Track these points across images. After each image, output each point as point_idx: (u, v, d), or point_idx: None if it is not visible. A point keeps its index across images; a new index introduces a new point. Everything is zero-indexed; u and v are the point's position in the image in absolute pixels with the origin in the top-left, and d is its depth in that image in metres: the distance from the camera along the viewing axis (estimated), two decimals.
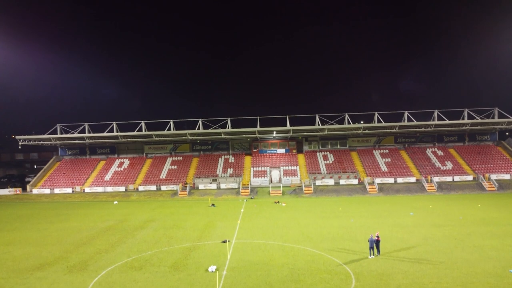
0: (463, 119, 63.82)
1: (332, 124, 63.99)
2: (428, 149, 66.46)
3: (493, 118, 63.85)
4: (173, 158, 69.03)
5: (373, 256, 23.42)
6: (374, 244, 23.74)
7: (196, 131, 60.36)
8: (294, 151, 68.98)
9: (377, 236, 23.93)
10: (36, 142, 63.12)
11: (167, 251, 26.14)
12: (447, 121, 60.84)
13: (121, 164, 68.28)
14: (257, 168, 64.33)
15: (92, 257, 25.11)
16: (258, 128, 59.92)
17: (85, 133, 62.63)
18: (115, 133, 60.72)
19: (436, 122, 60.14)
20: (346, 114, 62.67)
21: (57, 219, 40.18)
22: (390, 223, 33.67)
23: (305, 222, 35.28)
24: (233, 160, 67.18)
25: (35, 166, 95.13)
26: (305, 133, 65.81)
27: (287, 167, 64.10)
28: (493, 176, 56.01)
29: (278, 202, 47.77)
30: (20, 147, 62.56)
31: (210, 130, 60.42)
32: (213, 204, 46.71)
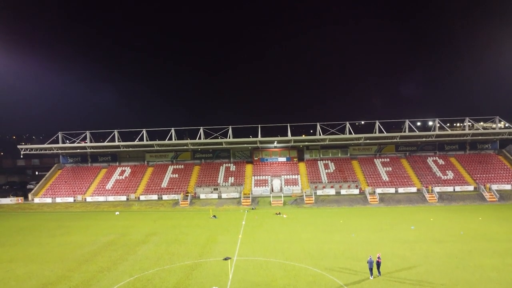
0: (464, 127, 64.03)
1: (333, 133, 64.31)
2: (429, 157, 66.47)
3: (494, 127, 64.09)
4: (175, 166, 69.12)
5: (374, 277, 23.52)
6: (375, 265, 23.84)
7: (197, 140, 60.55)
8: (295, 159, 69.04)
9: (378, 258, 24.03)
10: (38, 151, 63.28)
11: (169, 270, 26.24)
12: (448, 132, 61.03)
13: (122, 172, 68.38)
14: (258, 177, 64.38)
15: (94, 276, 25.24)
16: (259, 138, 60.06)
17: (86, 140, 63.15)
18: (116, 143, 60.96)
19: (437, 132, 60.19)
20: (347, 122, 62.82)
21: (59, 232, 40.29)
22: (391, 238, 33.74)
23: (306, 236, 35.34)
24: (234, 169, 67.26)
25: (37, 173, 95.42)
26: (306, 143, 66.06)
27: (288, 176, 64.16)
28: (494, 186, 55.99)
29: (279, 213, 47.83)
30: (22, 156, 62.83)
31: (211, 140, 60.64)
32: (214, 216, 46.77)
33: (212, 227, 40.77)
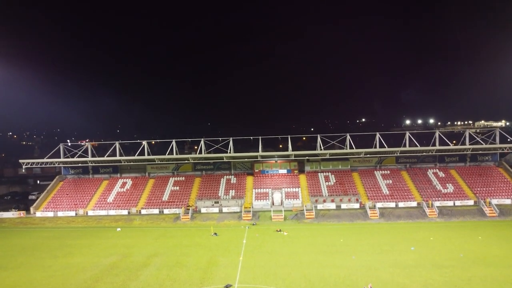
0: (464, 140, 64.14)
1: (333, 145, 64.77)
2: (429, 170, 66.57)
3: (494, 139, 64.25)
4: (176, 178, 69.26)
5: None
6: None
7: (198, 155, 60.93)
8: (295, 171, 69.16)
9: None
10: (40, 166, 63.53)
11: None
12: (449, 147, 61.33)
13: (123, 184, 68.61)
14: (259, 189, 64.56)
15: None
16: (260, 153, 60.40)
17: (88, 152, 63.82)
18: (118, 157, 61.30)
19: (437, 147, 60.38)
20: (348, 134, 63.13)
21: (61, 252, 40.50)
22: (391, 262, 33.92)
23: (307, 259, 35.50)
24: (235, 181, 67.42)
25: (38, 182, 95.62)
26: (307, 157, 66.46)
27: (288, 188, 64.33)
28: (494, 201, 56.11)
29: (280, 230, 48.01)
30: (24, 170, 63.18)
31: (212, 155, 60.97)
32: (215, 233, 46.99)
33: (213, 247, 40.95)
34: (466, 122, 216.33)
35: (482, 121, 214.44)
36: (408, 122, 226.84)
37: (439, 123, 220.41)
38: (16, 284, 30.95)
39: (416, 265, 32.77)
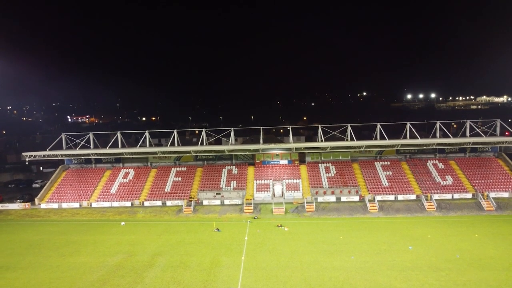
0: (464, 131, 64.47)
1: (334, 135, 65.17)
2: (429, 161, 67.06)
3: (494, 130, 64.62)
4: (178, 169, 69.97)
5: None
6: None
7: (199, 148, 61.28)
8: (296, 162, 69.71)
9: None
10: (43, 158, 64.02)
11: None
12: (449, 140, 61.74)
13: (126, 174, 69.37)
14: (260, 181, 65.31)
15: None
16: (261, 146, 60.70)
17: (89, 142, 64.72)
18: (120, 150, 61.82)
19: (438, 141, 60.75)
20: (349, 125, 63.50)
21: (67, 250, 41.53)
22: (388, 263, 34.87)
23: (307, 259, 36.47)
24: (236, 172, 68.10)
25: (41, 168, 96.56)
26: (307, 151, 66.90)
27: (289, 180, 65.09)
28: (492, 194, 56.86)
29: (281, 226, 49.01)
30: (27, 163, 63.81)
31: (213, 147, 61.46)
32: (217, 229, 47.99)
33: (215, 245, 41.94)
34: (468, 98, 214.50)
35: (484, 97, 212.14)
36: (409, 96, 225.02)
37: (440, 98, 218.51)
38: (25, 286, 32.03)
39: (413, 267, 33.73)
